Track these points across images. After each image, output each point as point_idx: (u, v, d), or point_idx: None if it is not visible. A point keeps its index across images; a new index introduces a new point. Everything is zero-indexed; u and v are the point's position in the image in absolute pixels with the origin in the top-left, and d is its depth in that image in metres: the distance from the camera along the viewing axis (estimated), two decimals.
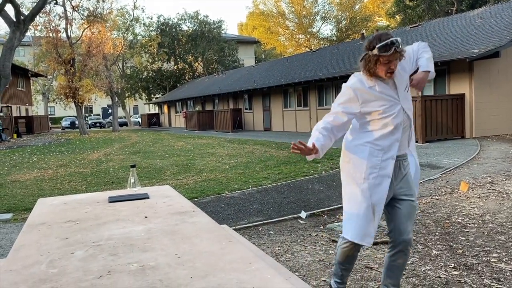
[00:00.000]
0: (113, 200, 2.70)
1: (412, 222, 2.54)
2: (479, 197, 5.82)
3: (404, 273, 3.40)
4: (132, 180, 2.97)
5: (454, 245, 3.98)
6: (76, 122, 38.30)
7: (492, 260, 3.58)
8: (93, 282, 1.43)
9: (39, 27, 28.77)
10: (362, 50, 2.45)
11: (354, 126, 2.58)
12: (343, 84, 2.53)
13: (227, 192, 7.01)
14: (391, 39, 2.30)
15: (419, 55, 2.59)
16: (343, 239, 2.64)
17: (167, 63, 46.20)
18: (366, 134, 2.51)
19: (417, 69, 2.58)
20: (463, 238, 4.17)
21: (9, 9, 18.99)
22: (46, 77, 41.83)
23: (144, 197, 2.75)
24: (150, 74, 45.63)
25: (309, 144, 2.38)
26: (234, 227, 4.76)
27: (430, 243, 4.07)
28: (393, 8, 33.94)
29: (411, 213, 2.53)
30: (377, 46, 2.30)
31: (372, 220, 2.49)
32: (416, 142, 12.55)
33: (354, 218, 2.53)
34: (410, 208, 2.52)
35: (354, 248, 2.61)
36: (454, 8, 28.01)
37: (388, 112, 2.43)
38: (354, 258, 2.68)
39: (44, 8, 23.78)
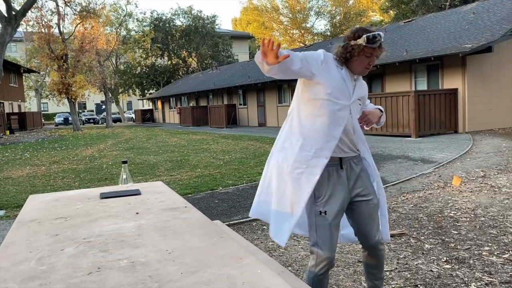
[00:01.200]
0: (104, 196, 2.69)
1: (376, 222, 2.37)
2: (471, 191, 5.86)
3: (396, 267, 3.41)
4: (124, 176, 2.95)
5: (446, 239, 4.01)
6: (70, 118, 38.15)
7: (483, 253, 3.60)
8: (82, 278, 1.42)
9: (31, 23, 28.50)
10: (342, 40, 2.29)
11: (297, 113, 2.34)
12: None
13: (221, 188, 7.01)
14: (378, 31, 2.19)
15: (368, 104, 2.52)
16: (315, 266, 2.32)
17: (160, 59, 46.00)
18: (305, 121, 2.28)
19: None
20: (455, 232, 4.19)
21: (0, 4, 18.81)
22: (38, 73, 41.53)
23: (136, 193, 2.74)
24: (144, 70, 45.41)
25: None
26: (227, 223, 4.76)
27: (422, 237, 4.09)
28: (386, 3, 33.94)
29: (372, 213, 2.35)
30: (366, 35, 2.15)
31: (289, 218, 2.29)
32: (409, 137, 12.61)
33: (273, 211, 2.39)
34: (369, 209, 2.34)
35: (327, 272, 2.32)
36: (448, 3, 28.06)
37: (335, 99, 2.21)
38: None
39: (36, 3, 23.56)
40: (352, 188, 2.33)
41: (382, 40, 2.20)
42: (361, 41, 2.17)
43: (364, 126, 2.38)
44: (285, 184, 2.32)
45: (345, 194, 2.30)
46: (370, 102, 2.57)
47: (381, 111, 2.46)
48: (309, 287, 2.12)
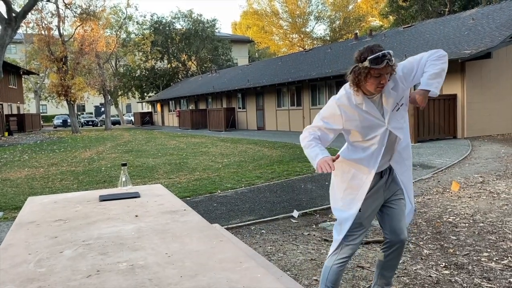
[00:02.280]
0: (103, 199, 2.69)
1: (404, 219, 2.55)
2: (470, 197, 5.86)
3: (396, 272, 3.41)
4: (123, 179, 2.95)
5: (445, 245, 4.00)
6: (68, 121, 38.07)
7: (482, 259, 3.60)
8: (81, 281, 1.42)
9: (31, 25, 28.55)
10: (352, 62, 2.34)
11: (346, 147, 2.59)
12: (332, 97, 2.47)
13: (219, 191, 7.00)
14: (383, 51, 2.19)
15: (425, 69, 2.37)
16: (335, 254, 2.57)
17: (160, 62, 46.03)
18: (352, 151, 2.50)
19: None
20: (454, 238, 4.19)
21: (0, 6, 18.82)
22: (38, 75, 41.52)
23: (135, 196, 2.74)
24: (143, 73, 45.44)
25: (322, 159, 2.29)
26: (226, 226, 4.75)
27: (421, 243, 4.09)
28: (386, 9, 34.06)
29: (403, 210, 2.54)
30: (369, 58, 2.18)
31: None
32: None
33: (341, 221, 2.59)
34: (400, 206, 2.53)
35: (345, 264, 2.57)
36: (447, 9, 28.17)
37: (370, 135, 2.38)
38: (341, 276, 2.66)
39: (36, 5, 23.58)
40: (386, 189, 2.53)
41: (389, 57, 2.19)
42: (366, 63, 2.20)
43: (419, 108, 2.53)
44: (338, 202, 2.61)
45: (381, 199, 2.52)
46: (419, 61, 2.43)
47: (427, 90, 2.34)
48: None
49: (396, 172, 2.55)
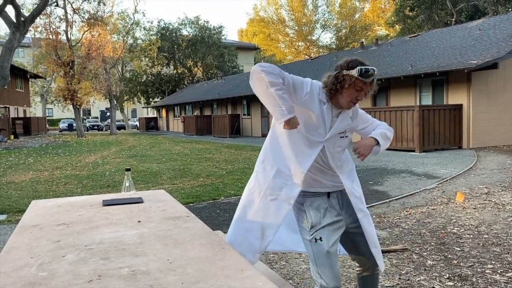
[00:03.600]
0: (107, 203, 2.69)
1: (368, 244, 2.34)
2: (475, 208, 5.82)
3: (398, 282, 3.38)
4: (127, 184, 2.95)
5: (449, 256, 3.97)
6: (74, 124, 38.26)
7: (487, 271, 3.56)
8: (83, 286, 1.42)
9: (39, 29, 28.79)
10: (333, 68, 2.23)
11: (271, 138, 2.37)
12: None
13: (223, 198, 6.99)
14: (372, 66, 2.13)
15: (378, 126, 2.37)
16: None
17: (166, 68, 46.28)
18: (279, 148, 2.30)
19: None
20: (458, 249, 4.16)
21: (9, 10, 19.01)
22: (45, 78, 41.82)
23: (138, 201, 2.74)
24: (149, 78, 45.67)
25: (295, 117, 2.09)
26: None
27: (425, 253, 4.06)
28: (393, 18, 34.12)
29: (365, 240, 2.32)
30: (359, 67, 2.10)
31: (259, 239, 2.32)
32: (413, 151, 12.58)
33: (242, 230, 2.41)
34: (362, 236, 2.31)
35: None
36: (454, 19, 28.19)
37: (309, 134, 2.21)
38: None
39: (44, 10, 23.81)
40: (345, 215, 2.32)
41: (375, 76, 2.14)
42: (354, 72, 2.10)
43: (359, 159, 2.28)
44: (256, 209, 2.35)
45: (341, 221, 2.28)
46: (374, 120, 2.44)
47: (376, 140, 2.28)
48: None
49: (346, 184, 2.30)
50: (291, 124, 2.06)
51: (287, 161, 2.27)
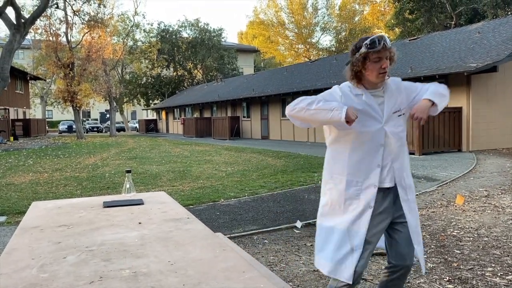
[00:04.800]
0: (107, 205, 2.69)
1: (412, 244, 2.33)
2: (474, 211, 5.82)
3: None
4: (127, 186, 2.95)
5: (449, 258, 3.97)
6: (74, 126, 38.26)
7: (487, 274, 3.56)
8: (84, 287, 1.42)
9: (39, 31, 28.81)
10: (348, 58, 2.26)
11: (331, 153, 2.37)
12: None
13: (222, 200, 6.99)
14: (377, 35, 2.15)
15: (429, 88, 2.28)
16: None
17: (166, 70, 46.31)
18: (343, 157, 2.28)
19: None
20: (458, 252, 4.16)
21: (9, 11, 19.04)
22: (45, 80, 41.83)
23: (139, 203, 2.74)
24: (149, 80, 45.70)
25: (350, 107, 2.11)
26: (229, 235, 4.74)
27: (425, 256, 4.06)
28: (392, 21, 34.17)
29: (410, 235, 2.33)
30: (364, 43, 2.13)
31: (349, 254, 2.23)
32: (413, 154, 12.58)
33: (328, 247, 2.32)
34: (407, 231, 2.31)
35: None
36: (453, 22, 28.24)
37: (367, 127, 2.19)
38: None
39: (45, 12, 23.83)
40: (394, 211, 2.32)
41: (386, 41, 2.14)
42: (363, 49, 2.14)
43: (420, 122, 2.22)
44: (340, 225, 2.28)
45: (388, 220, 2.30)
46: (423, 85, 2.35)
47: (430, 100, 2.20)
48: None
49: (401, 200, 2.30)
50: (351, 115, 2.06)
51: (355, 167, 2.25)
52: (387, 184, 2.26)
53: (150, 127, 41.87)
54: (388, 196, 2.29)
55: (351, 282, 2.20)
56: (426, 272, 2.34)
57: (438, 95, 2.23)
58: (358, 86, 2.24)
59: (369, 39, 2.13)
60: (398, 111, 2.26)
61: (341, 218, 2.28)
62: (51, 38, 28.09)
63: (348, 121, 2.06)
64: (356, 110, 2.13)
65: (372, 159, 2.22)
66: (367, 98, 2.22)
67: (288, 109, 2.23)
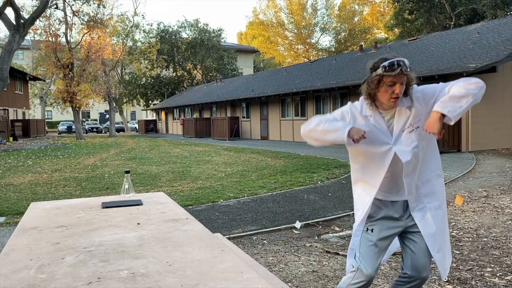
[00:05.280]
0: (106, 206, 2.69)
1: (430, 255, 2.27)
2: (474, 211, 5.82)
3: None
4: (126, 186, 2.95)
5: None
6: (73, 127, 38.26)
7: (486, 274, 3.56)
8: None
9: (38, 31, 28.82)
10: (356, 73, 2.33)
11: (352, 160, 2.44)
12: None
13: (222, 200, 6.98)
14: (397, 58, 2.10)
15: (447, 92, 2.13)
16: (349, 277, 2.30)
17: (166, 70, 46.30)
18: (358, 168, 2.37)
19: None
20: (458, 252, 4.16)
21: (9, 12, 19.03)
22: (44, 81, 41.82)
23: (138, 203, 2.74)
24: (149, 81, 45.69)
25: (354, 127, 2.15)
26: (228, 236, 4.74)
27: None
28: (392, 21, 34.19)
29: (426, 246, 2.28)
30: (382, 64, 2.10)
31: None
32: None
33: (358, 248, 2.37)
34: (424, 242, 2.27)
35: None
36: (452, 23, 28.25)
37: (375, 148, 2.23)
38: None
39: (44, 12, 23.82)
40: (407, 218, 2.30)
41: (404, 65, 2.09)
42: (380, 70, 2.11)
43: (435, 136, 2.14)
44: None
45: (399, 228, 2.31)
46: (444, 86, 2.22)
47: (439, 112, 2.07)
48: None
49: (411, 210, 2.29)
50: (354, 133, 2.10)
51: (368, 177, 2.32)
52: (394, 198, 2.31)
53: (149, 127, 41.86)
54: (397, 205, 2.31)
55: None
56: (445, 279, 2.31)
57: (452, 100, 2.07)
58: (371, 106, 2.25)
59: (388, 62, 2.09)
60: (409, 126, 2.22)
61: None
62: (50, 39, 28.09)
63: (353, 139, 2.10)
64: (363, 129, 2.16)
65: (377, 177, 2.27)
66: (375, 120, 2.24)
67: (301, 130, 2.31)
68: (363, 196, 2.35)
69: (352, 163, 2.44)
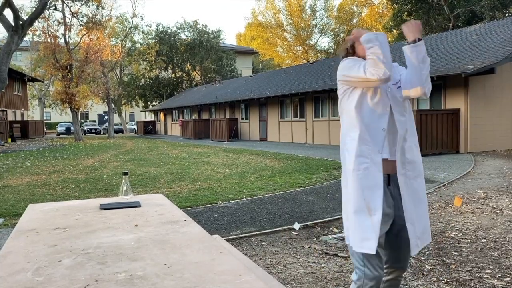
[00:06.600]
0: (104, 207, 2.68)
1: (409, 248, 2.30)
2: (472, 213, 5.82)
3: None
4: (124, 188, 2.94)
5: (447, 260, 3.97)
6: (72, 128, 38.20)
7: (485, 276, 3.56)
8: None
9: (37, 32, 28.85)
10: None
11: (345, 121, 2.36)
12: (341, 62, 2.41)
13: (221, 202, 6.97)
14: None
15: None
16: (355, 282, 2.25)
17: (164, 71, 46.30)
18: (351, 121, 2.28)
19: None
20: (456, 253, 4.15)
21: (7, 13, 19.01)
22: (43, 82, 41.79)
23: (136, 205, 2.73)
24: (148, 82, 45.68)
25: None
26: (226, 238, 4.73)
27: (423, 258, 4.05)
28: (390, 22, 34.23)
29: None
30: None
31: (367, 218, 2.17)
32: None
33: (348, 220, 2.29)
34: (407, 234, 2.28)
35: None
36: (451, 24, 28.29)
37: (375, 96, 2.25)
38: None
39: (43, 14, 23.81)
40: (397, 208, 2.27)
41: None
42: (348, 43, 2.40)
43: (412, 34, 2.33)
44: (353, 186, 2.23)
45: (391, 213, 2.26)
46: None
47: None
48: None
49: (398, 173, 2.26)
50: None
51: (366, 124, 2.23)
52: (393, 157, 2.27)
53: (148, 128, 41.84)
54: (391, 187, 2.27)
55: (374, 252, 2.16)
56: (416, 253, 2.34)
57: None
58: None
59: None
60: (396, 83, 2.32)
61: (352, 177, 2.31)
62: (49, 40, 28.08)
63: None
64: None
65: (380, 126, 2.25)
66: None
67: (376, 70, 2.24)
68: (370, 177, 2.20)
69: (348, 140, 2.30)
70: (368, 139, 2.21)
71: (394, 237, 2.31)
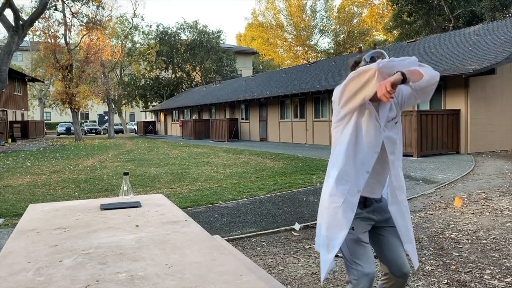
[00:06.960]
0: (104, 207, 2.68)
1: (403, 250, 2.28)
2: (473, 213, 5.82)
3: None
4: (125, 188, 2.94)
5: (448, 261, 3.96)
6: (72, 128, 38.20)
7: (485, 276, 3.56)
8: None
9: (37, 33, 28.81)
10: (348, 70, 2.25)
11: (334, 149, 2.35)
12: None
13: (221, 202, 6.97)
14: (377, 50, 2.16)
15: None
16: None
17: (165, 72, 46.31)
18: (337, 157, 2.27)
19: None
20: (457, 254, 4.15)
21: (8, 13, 19.02)
22: (43, 82, 41.79)
23: (136, 205, 2.73)
24: (148, 82, 45.68)
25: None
26: (227, 238, 4.73)
27: (423, 258, 4.05)
28: (390, 23, 34.23)
29: (399, 239, 2.28)
30: (365, 56, 2.14)
31: (325, 253, 2.22)
32: (411, 156, 12.58)
33: (319, 245, 2.32)
34: (397, 234, 2.27)
35: None
36: (451, 25, 28.29)
37: (375, 117, 2.16)
38: None
39: (43, 14, 23.82)
40: (377, 213, 2.30)
41: (384, 55, 2.12)
42: (363, 62, 2.17)
43: (385, 98, 1.98)
44: (323, 220, 2.27)
45: (370, 221, 2.29)
46: None
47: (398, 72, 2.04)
48: None
49: (389, 204, 2.27)
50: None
51: (346, 165, 2.21)
52: (370, 194, 2.28)
53: (148, 129, 41.85)
54: (368, 207, 2.29)
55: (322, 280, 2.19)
56: (418, 265, 2.31)
57: (409, 68, 2.13)
58: None
59: (369, 54, 2.15)
60: (394, 118, 2.23)
61: (323, 214, 2.33)
62: (49, 40, 28.08)
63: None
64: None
65: (364, 163, 2.21)
66: (369, 105, 2.21)
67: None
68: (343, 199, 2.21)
69: (333, 164, 2.30)
70: (347, 180, 2.21)
71: (381, 243, 2.31)
